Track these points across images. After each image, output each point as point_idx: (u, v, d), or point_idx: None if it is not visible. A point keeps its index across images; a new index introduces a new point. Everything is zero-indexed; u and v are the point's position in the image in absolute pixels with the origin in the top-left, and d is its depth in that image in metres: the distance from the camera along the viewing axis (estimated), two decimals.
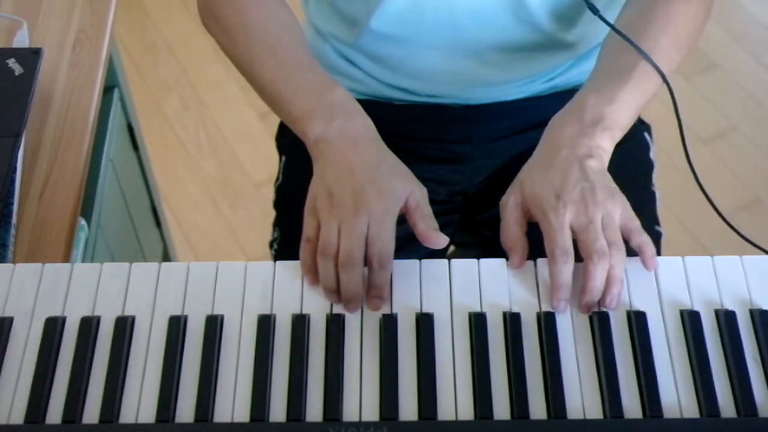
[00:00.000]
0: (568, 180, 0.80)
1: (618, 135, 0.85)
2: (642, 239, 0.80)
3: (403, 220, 0.81)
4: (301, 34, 0.95)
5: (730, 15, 2.39)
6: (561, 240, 0.77)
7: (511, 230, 0.81)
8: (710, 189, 0.89)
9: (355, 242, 0.77)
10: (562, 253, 0.77)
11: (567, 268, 0.77)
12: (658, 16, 0.91)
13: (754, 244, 0.84)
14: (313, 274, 0.79)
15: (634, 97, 0.86)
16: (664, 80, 0.88)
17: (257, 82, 0.92)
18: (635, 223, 0.80)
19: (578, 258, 0.78)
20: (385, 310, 0.78)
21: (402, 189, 0.81)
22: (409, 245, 0.85)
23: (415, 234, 0.82)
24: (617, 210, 0.80)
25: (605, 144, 0.84)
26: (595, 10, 0.93)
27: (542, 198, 0.80)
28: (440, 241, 0.80)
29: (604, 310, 0.77)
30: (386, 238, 0.78)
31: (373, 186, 0.80)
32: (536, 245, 0.81)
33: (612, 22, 0.94)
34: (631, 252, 0.80)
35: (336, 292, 0.78)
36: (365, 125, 0.86)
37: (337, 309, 0.78)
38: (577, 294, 0.78)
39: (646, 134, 1.14)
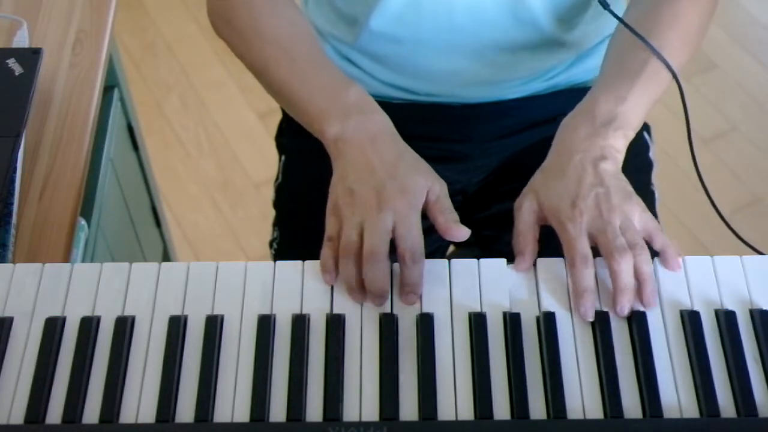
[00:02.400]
0: (583, 186, 0.80)
1: (630, 135, 0.85)
2: (664, 240, 0.80)
3: None
4: (313, 34, 0.95)
5: (730, 15, 2.39)
6: (580, 247, 0.78)
7: (525, 235, 0.81)
8: (710, 189, 0.89)
9: (378, 237, 0.77)
10: (582, 259, 0.77)
11: (588, 272, 0.77)
12: (665, 15, 0.91)
13: (750, 245, 0.84)
14: (330, 273, 0.79)
15: (644, 96, 0.86)
16: (674, 77, 0.88)
17: (272, 85, 0.92)
18: (654, 224, 0.80)
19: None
20: (386, 309, 0.78)
21: (423, 183, 0.81)
22: None
23: (434, 228, 0.82)
24: (635, 213, 0.80)
25: (618, 144, 0.84)
26: (605, 5, 0.93)
27: (559, 208, 0.80)
28: (462, 233, 0.80)
29: (643, 310, 0.77)
30: (415, 234, 0.78)
31: (394, 182, 0.80)
32: (541, 248, 0.81)
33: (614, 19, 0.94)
34: (653, 254, 0.79)
35: (359, 290, 0.77)
36: (382, 122, 0.86)
37: (337, 309, 0.78)
38: (612, 300, 0.77)
39: (645, 134, 1.14)
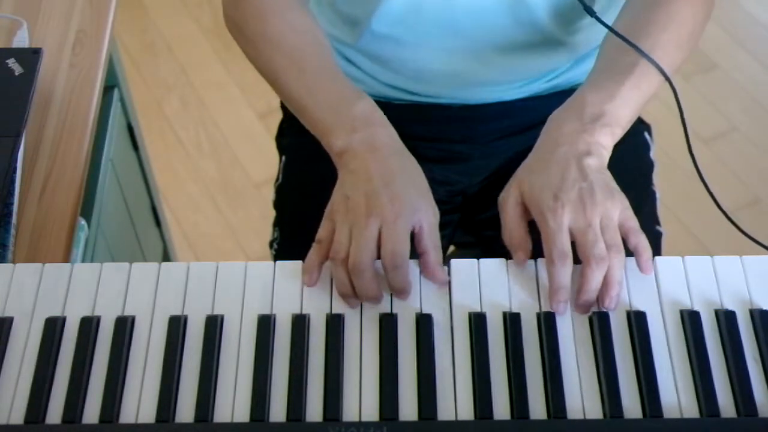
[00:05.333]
0: (566, 180, 0.80)
1: (618, 133, 0.85)
2: (639, 241, 0.79)
3: None
4: (325, 43, 0.95)
5: (730, 15, 2.39)
6: (559, 242, 0.77)
7: (513, 229, 0.81)
8: (710, 189, 0.88)
9: (363, 246, 0.77)
10: (560, 256, 0.77)
11: (565, 270, 0.77)
12: (658, 16, 0.91)
13: (757, 240, 0.84)
14: (310, 275, 0.79)
15: (634, 95, 0.86)
16: (666, 78, 0.88)
17: (283, 94, 0.93)
18: (633, 223, 0.80)
19: (576, 259, 0.78)
20: (385, 309, 0.78)
21: (416, 201, 0.81)
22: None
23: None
24: (616, 210, 0.79)
25: (605, 141, 0.84)
26: (591, 12, 0.93)
27: (540, 199, 0.80)
28: (444, 279, 0.79)
29: (603, 310, 0.77)
30: (397, 238, 0.78)
31: (386, 191, 0.80)
32: (538, 244, 0.81)
33: (612, 22, 0.94)
34: (630, 252, 0.80)
35: (351, 296, 0.78)
36: (388, 135, 0.86)
37: (337, 309, 0.78)
38: (575, 295, 0.77)
39: (646, 134, 1.14)
